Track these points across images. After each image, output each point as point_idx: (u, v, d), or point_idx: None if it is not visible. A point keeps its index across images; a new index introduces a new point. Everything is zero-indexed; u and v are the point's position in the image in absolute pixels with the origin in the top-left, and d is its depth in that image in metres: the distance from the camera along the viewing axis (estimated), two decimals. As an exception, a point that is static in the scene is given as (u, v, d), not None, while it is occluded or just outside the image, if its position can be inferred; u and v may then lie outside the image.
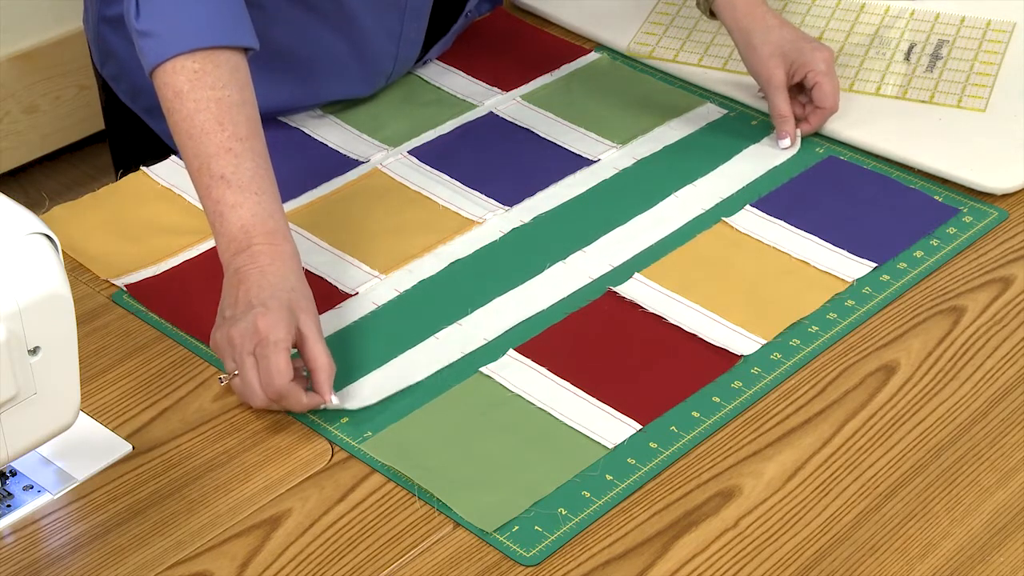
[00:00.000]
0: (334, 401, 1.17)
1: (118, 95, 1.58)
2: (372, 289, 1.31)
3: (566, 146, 1.49)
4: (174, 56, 1.24)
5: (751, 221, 1.39)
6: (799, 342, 1.25)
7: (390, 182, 1.44)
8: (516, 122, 1.52)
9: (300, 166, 1.45)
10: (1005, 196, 1.42)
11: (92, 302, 1.29)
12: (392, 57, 1.52)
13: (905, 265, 1.34)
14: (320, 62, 1.50)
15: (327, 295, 1.29)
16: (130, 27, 1.28)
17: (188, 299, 1.28)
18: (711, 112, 1.55)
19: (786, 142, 1.47)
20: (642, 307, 1.28)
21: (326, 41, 1.48)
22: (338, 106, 1.54)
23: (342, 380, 1.20)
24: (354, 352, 1.23)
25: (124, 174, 1.46)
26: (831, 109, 1.48)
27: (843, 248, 1.35)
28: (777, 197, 1.42)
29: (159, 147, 1.56)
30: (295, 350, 1.17)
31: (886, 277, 1.32)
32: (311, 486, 1.12)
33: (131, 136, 1.60)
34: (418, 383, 1.21)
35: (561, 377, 1.21)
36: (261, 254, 1.21)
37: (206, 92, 1.24)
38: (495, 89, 1.57)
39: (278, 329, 1.15)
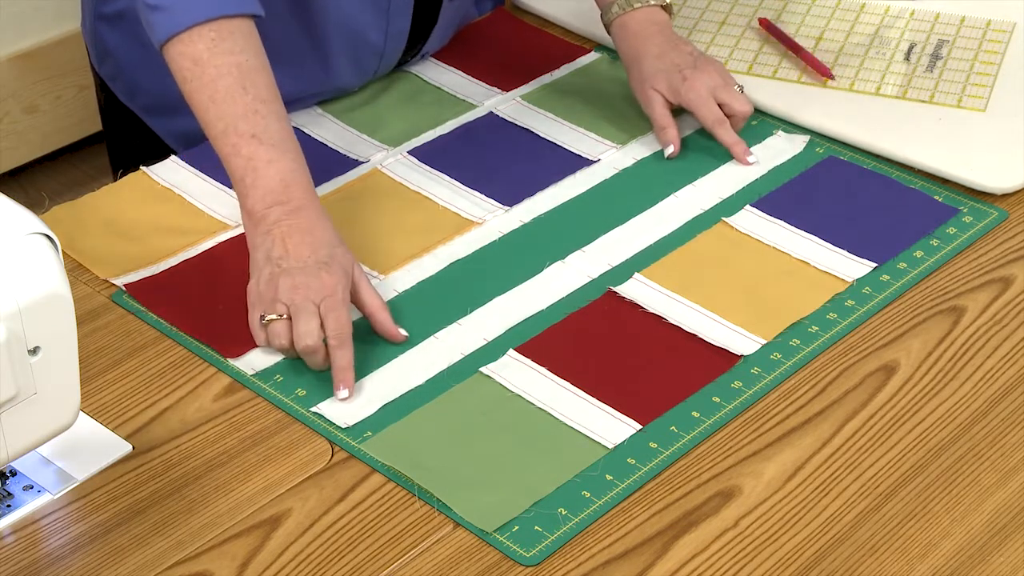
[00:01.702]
0: (402, 333, 1.23)
1: (116, 94, 1.58)
2: (372, 289, 1.31)
3: (566, 146, 1.49)
4: (189, 27, 1.27)
5: (751, 221, 1.39)
6: (799, 342, 1.25)
7: (390, 182, 1.44)
8: (516, 122, 1.52)
9: (300, 166, 1.45)
10: (1005, 196, 1.42)
11: (92, 302, 1.29)
12: (383, 32, 1.51)
13: (905, 265, 1.34)
14: (309, 49, 1.49)
15: (327, 295, 1.29)
16: (139, 2, 1.29)
17: (188, 299, 1.28)
18: (711, 112, 1.54)
19: (669, 148, 1.47)
20: (642, 307, 1.28)
21: (313, 26, 1.47)
22: (338, 106, 1.54)
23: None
24: (354, 352, 1.23)
25: (123, 174, 1.46)
26: (712, 119, 1.46)
27: (843, 248, 1.35)
28: (777, 197, 1.42)
29: (158, 147, 1.56)
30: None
31: (886, 277, 1.32)
32: (311, 486, 1.12)
33: (130, 136, 1.60)
34: (418, 383, 1.21)
35: (561, 377, 1.21)
36: (303, 209, 1.25)
37: (225, 58, 1.27)
38: (495, 89, 1.57)
39: (341, 286, 1.21)
